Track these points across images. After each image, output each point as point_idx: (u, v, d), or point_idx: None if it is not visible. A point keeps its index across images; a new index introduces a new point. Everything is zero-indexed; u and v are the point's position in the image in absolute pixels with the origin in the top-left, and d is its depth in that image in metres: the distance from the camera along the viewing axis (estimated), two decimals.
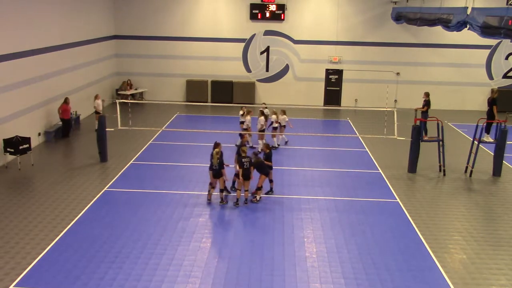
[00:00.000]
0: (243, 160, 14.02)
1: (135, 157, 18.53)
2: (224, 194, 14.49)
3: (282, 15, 28.19)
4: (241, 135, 18.49)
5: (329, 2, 28.22)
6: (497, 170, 17.50)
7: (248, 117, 19.47)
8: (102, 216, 13.37)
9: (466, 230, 13.19)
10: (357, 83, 28.95)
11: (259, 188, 14.52)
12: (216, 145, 14.43)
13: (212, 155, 14.01)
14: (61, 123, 20.98)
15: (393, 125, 18.50)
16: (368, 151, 20.10)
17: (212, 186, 14.32)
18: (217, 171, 13.97)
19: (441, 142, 17.56)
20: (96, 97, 22.14)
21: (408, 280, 10.61)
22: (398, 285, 10.42)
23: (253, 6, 28.14)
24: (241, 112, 20.18)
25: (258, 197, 14.55)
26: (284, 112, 20.30)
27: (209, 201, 14.35)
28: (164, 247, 11.70)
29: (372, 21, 28.35)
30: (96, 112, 21.62)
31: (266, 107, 20.80)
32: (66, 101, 20.74)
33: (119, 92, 27.92)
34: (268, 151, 15.06)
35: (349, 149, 20.33)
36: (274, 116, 19.96)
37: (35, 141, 19.29)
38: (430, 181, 16.97)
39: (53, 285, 10.05)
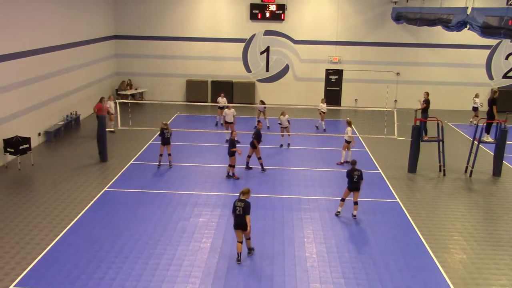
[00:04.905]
0: (236, 204, 10.98)
1: (135, 157, 18.52)
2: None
3: (282, 15, 28.18)
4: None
5: (329, 2, 28.21)
6: (497, 170, 17.50)
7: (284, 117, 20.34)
8: (102, 216, 13.36)
9: (466, 230, 13.18)
10: (357, 83, 28.94)
11: (355, 203, 13.57)
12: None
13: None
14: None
15: (393, 125, 18.51)
16: (368, 151, 20.08)
17: None
18: None
19: (441, 142, 17.57)
20: (109, 98, 22.50)
21: (408, 280, 10.61)
22: (398, 285, 10.42)
23: (253, 6, 28.13)
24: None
25: (355, 212, 13.60)
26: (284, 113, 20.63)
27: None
28: (164, 247, 11.70)
29: (372, 21, 28.34)
30: (108, 113, 21.84)
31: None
32: (101, 100, 21.16)
33: (119, 92, 27.92)
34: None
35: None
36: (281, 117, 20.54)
37: (35, 141, 19.28)
38: (430, 181, 16.96)
39: (53, 285, 10.05)
